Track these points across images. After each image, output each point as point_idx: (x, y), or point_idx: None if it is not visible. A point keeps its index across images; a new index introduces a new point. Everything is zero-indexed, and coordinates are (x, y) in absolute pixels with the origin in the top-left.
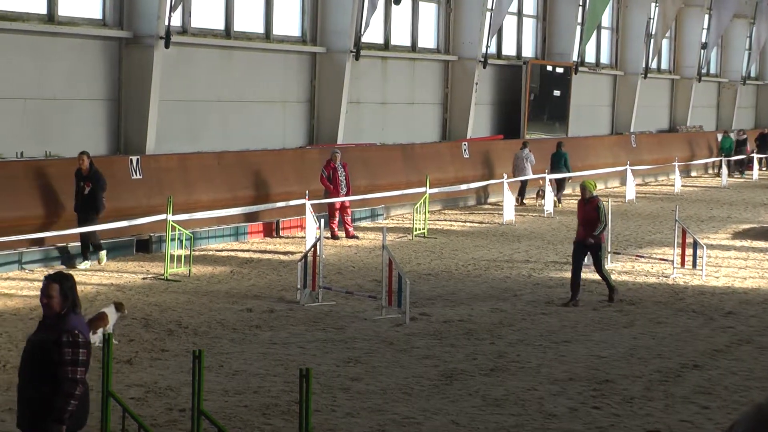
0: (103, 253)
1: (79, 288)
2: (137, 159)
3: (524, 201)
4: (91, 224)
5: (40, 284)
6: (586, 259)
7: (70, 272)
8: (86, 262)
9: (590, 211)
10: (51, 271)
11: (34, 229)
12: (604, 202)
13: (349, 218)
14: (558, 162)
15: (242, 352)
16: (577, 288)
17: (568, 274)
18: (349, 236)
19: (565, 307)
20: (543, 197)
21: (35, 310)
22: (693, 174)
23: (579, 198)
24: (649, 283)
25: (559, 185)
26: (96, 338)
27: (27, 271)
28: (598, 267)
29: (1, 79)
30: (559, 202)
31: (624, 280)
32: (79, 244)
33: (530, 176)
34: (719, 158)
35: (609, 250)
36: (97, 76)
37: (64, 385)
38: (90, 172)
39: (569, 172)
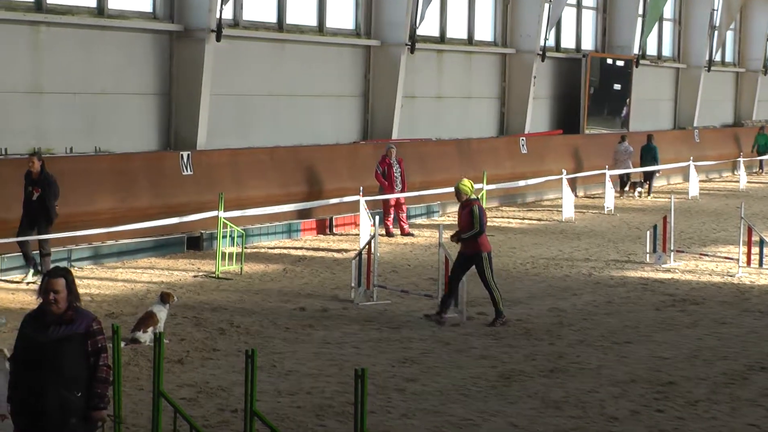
0: (31, 272)
1: (129, 286)
2: (188, 154)
3: (628, 193)
4: (41, 234)
5: (87, 282)
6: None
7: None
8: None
9: (466, 216)
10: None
11: (83, 226)
12: (478, 207)
13: (404, 215)
14: (648, 155)
15: (295, 351)
16: (449, 301)
17: (631, 273)
18: (404, 233)
19: (427, 318)
20: (635, 189)
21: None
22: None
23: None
24: (714, 283)
25: (648, 179)
26: (147, 337)
27: (76, 268)
28: (483, 280)
29: (50, 74)
30: (649, 194)
31: (687, 279)
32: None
33: (631, 169)
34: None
35: (671, 248)
36: (147, 70)
37: (100, 372)
38: (41, 176)
39: (658, 165)
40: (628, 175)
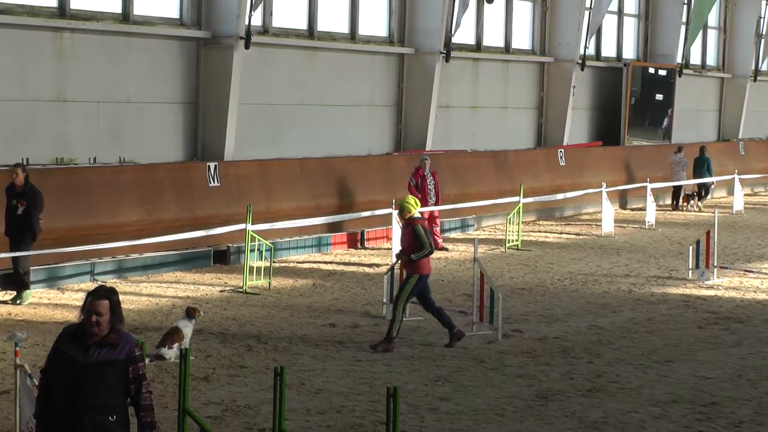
0: (28, 293)
1: (153, 301)
2: (215, 165)
3: (682, 206)
4: (24, 249)
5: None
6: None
7: (112, 285)
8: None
9: (408, 235)
10: (109, 283)
11: (107, 239)
12: (421, 226)
13: (438, 229)
14: (701, 167)
15: (325, 369)
16: (448, 323)
17: (673, 290)
18: (438, 248)
19: (449, 346)
20: (689, 201)
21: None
22: None
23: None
24: (759, 300)
25: (703, 191)
26: (172, 354)
27: (99, 283)
28: (396, 297)
29: (73, 81)
30: (701, 208)
31: (731, 297)
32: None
33: (685, 181)
34: None
35: (714, 264)
36: (173, 78)
37: (145, 400)
38: (26, 188)
39: (712, 176)
40: (681, 187)
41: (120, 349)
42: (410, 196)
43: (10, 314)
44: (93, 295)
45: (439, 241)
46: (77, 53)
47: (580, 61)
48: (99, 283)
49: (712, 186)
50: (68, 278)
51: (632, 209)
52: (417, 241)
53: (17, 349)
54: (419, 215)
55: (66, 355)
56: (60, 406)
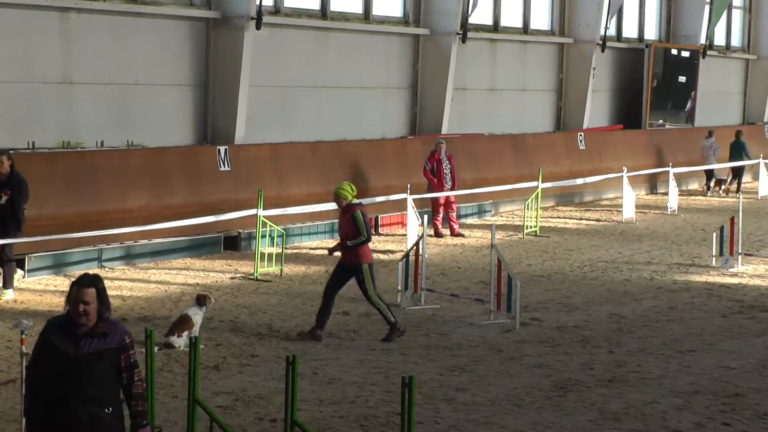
0: (9, 291)
1: (162, 288)
2: (225, 149)
3: (713, 190)
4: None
5: (119, 284)
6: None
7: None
8: (9, 291)
9: (347, 222)
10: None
11: (114, 224)
12: (361, 212)
13: (454, 214)
14: (738, 152)
15: (338, 358)
16: (324, 317)
17: (696, 278)
18: (454, 234)
19: (299, 337)
20: (721, 186)
21: (115, 311)
22: None
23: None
24: None
25: (738, 175)
26: (181, 342)
27: (107, 269)
28: (366, 295)
29: (80, 64)
30: (738, 191)
31: (756, 285)
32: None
33: (716, 165)
34: None
35: (739, 251)
36: (182, 59)
37: (137, 388)
38: (11, 177)
39: (750, 160)
40: (711, 172)
41: (111, 338)
42: (345, 182)
43: (15, 302)
44: (78, 284)
45: (456, 227)
46: (84, 34)
47: (601, 42)
48: (106, 270)
49: (746, 170)
50: (75, 265)
51: (654, 194)
52: (356, 229)
53: (23, 336)
54: (358, 201)
55: (56, 349)
56: (53, 402)
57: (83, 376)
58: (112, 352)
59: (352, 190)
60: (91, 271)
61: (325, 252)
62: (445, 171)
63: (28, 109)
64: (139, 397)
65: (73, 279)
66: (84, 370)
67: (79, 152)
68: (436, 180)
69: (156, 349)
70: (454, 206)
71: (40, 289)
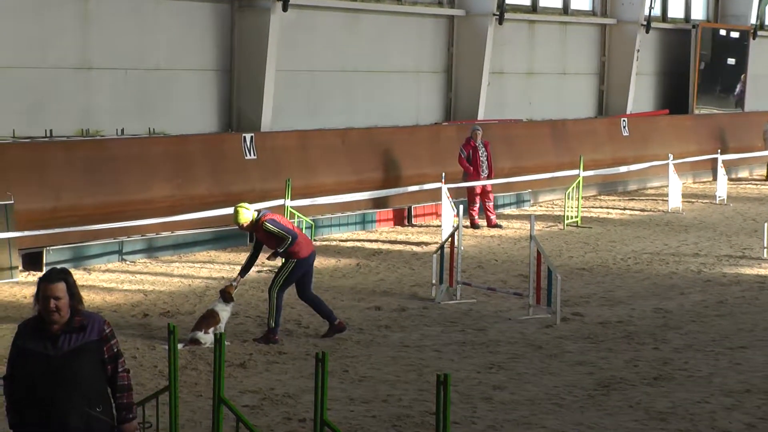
0: None
1: (186, 282)
2: (251, 137)
3: None
4: None
5: (140, 278)
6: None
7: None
8: None
9: (265, 238)
10: (150, 262)
11: (136, 216)
12: (269, 219)
13: (491, 204)
14: None
15: (369, 355)
16: (327, 314)
17: (746, 270)
18: (491, 225)
19: (325, 337)
20: None
21: (137, 306)
22: None
23: None
24: None
25: None
26: (208, 339)
27: (128, 262)
28: (270, 285)
29: (99, 48)
30: None
31: None
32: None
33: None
34: None
35: None
36: (206, 43)
37: (121, 379)
38: None
39: None
40: None
41: (90, 331)
42: (238, 206)
43: (25, 297)
44: (46, 280)
45: (492, 217)
46: (103, 17)
47: (645, 23)
48: (127, 263)
49: None
50: (95, 258)
51: (702, 183)
52: (276, 237)
53: None
54: (257, 211)
55: (32, 353)
56: (40, 411)
57: (68, 376)
58: (93, 345)
59: (246, 208)
60: (112, 266)
61: (357, 244)
62: (481, 159)
63: (45, 95)
64: (125, 389)
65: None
66: (68, 370)
67: (98, 140)
68: (471, 168)
69: (180, 345)
70: (491, 196)
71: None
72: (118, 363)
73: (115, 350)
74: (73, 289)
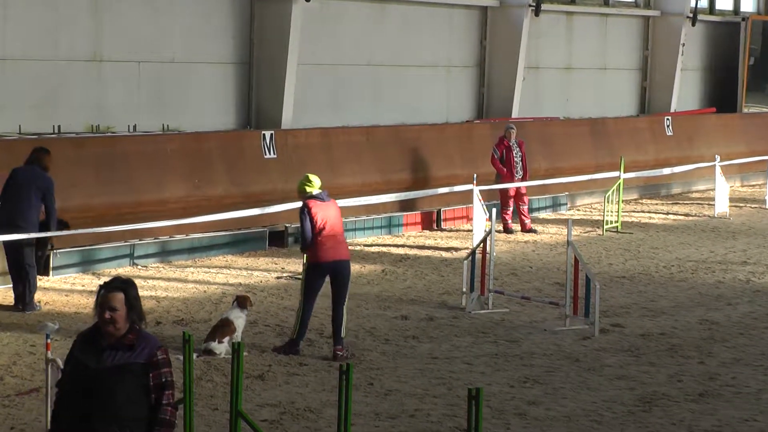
0: None
1: (201, 288)
2: (271, 134)
3: None
4: None
5: (153, 283)
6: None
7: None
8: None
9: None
10: (160, 268)
11: (148, 217)
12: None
13: (525, 208)
14: None
15: (396, 367)
16: (335, 334)
17: None
18: (525, 230)
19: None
20: None
21: (149, 314)
22: None
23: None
24: None
25: None
26: (222, 349)
27: (140, 267)
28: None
29: (111, 39)
30: None
31: None
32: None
33: None
34: None
35: None
36: (224, 34)
37: (164, 413)
38: None
39: None
40: None
41: (139, 352)
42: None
43: (39, 302)
44: (106, 288)
45: (527, 222)
46: (115, 6)
47: (691, 15)
48: (139, 267)
49: None
50: (105, 262)
51: (751, 186)
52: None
53: (48, 341)
54: (311, 191)
55: (78, 362)
56: (71, 421)
57: (104, 392)
58: (138, 368)
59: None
60: (123, 271)
61: (382, 249)
62: (515, 159)
63: (54, 89)
64: (164, 424)
65: (103, 279)
66: (104, 386)
67: (109, 137)
68: (505, 169)
69: (194, 356)
70: (526, 199)
71: (66, 288)
72: (164, 394)
73: (164, 380)
74: (133, 302)
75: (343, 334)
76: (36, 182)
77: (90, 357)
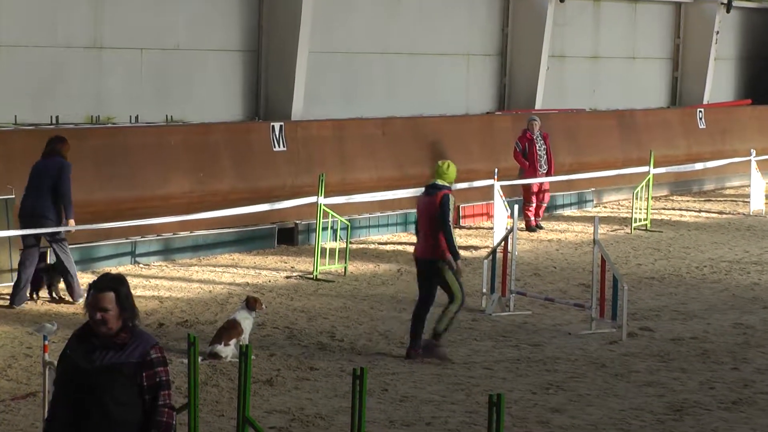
0: None
1: (206, 288)
2: (280, 126)
3: None
4: None
5: (156, 283)
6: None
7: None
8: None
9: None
10: (159, 266)
11: (151, 213)
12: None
13: (544, 205)
14: None
15: (412, 372)
16: (414, 335)
17: None
18: (528, 227)
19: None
20: None
21: (152, 315)
22: None
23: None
24: None
25: None
26: (229, 352)
27: (142, 266)
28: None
29: (111, 25)
30: None
31: None
32: None
33: None
34: None
35: None
36: (231, 21)
37: (160, 414)
38: None
39: None
40: None
41: (131, 351)
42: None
43: (25, 303)
44: (95, 287)
45: (534, 219)
46: None
47: (726, 1)
48: (141, 266)
49: None
50: (105, 260)
51: None
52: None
53: (46, 343)
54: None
55: (70, 362)
56: (63, 423)
57: (94, 395)
58: (130, 368)
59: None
60: (124, 270)
61: (398, 248)
62: (539, 153)
63: (52, 78)
64: (161, 427)
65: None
66: (96, 387)
67: (110, 128)
68: (527, 163)
69: (199, 359)
70: (547, 196)
71: (64, 288)
72: (160, 395)
73: (159, 380)
74: (124, 301)
75: (440, 329)
76: (49, 172)
77: (81, 357)
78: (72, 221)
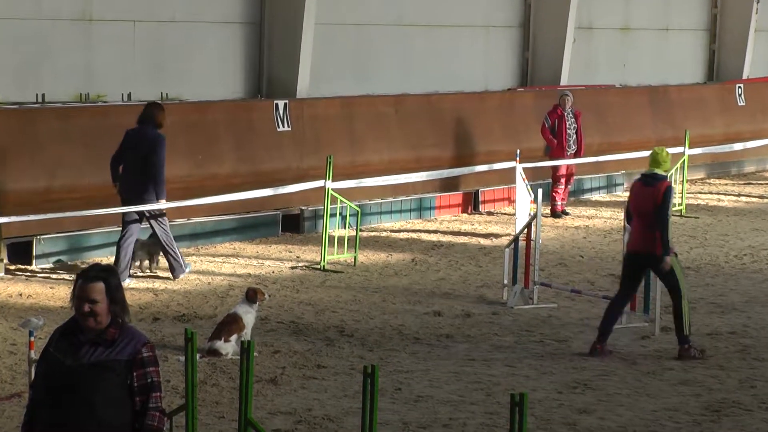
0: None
1: (205, 280)
2: (285, 104)
3: None
4: None
5: (147, 278)
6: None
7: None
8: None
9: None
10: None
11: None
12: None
13: (567, 188)
14: None
15: (427, 370)
16: (603, 331)
17: None
18: (554, 212)
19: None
20: None
21: (146, 308)
22: None
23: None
24: None
25: None
26: (229, 348)
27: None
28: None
29: None
30: None
31: None
32: None
33: None
34: None
35: None
36: None
37: (150, 418)
38: None
39: None
40: None
41: (121, 349)
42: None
43: (21, 295)
44: (84, 277)
45: (561, 203)
46: None
47: None
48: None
49: None
50: (95, 249)
51: None
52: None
53: (32, 339)
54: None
55: (53, 359)
56: (46, 424)
57: (81, 392)
58: (119, 366)
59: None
60: (106, 261)
61: (412, 235)
62: (568, 131)
63: (37, 53)
64: (151, 431)
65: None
66: (82, 385)
67: (100, 107)
68: (555, 141)
69: (198, 356)
70: (572, 179)
71: (52, 279)
72: (150, 397)
73: (149, 380)
74: (114, 294)
75: (685, 332)
76: (141, 146)
77: (66, 353)
78: (163, 200)
